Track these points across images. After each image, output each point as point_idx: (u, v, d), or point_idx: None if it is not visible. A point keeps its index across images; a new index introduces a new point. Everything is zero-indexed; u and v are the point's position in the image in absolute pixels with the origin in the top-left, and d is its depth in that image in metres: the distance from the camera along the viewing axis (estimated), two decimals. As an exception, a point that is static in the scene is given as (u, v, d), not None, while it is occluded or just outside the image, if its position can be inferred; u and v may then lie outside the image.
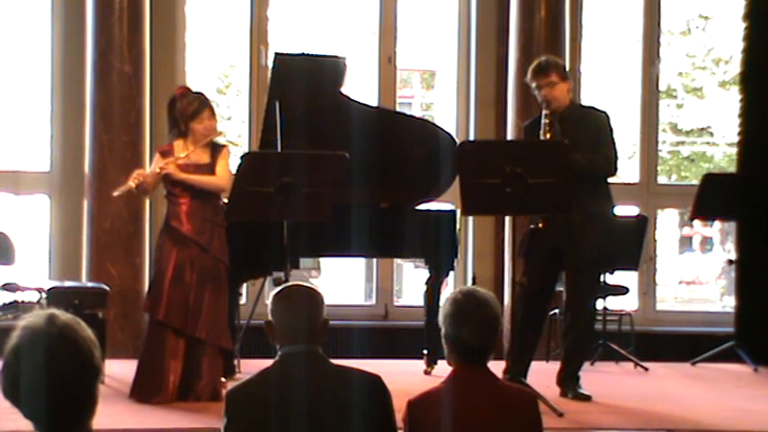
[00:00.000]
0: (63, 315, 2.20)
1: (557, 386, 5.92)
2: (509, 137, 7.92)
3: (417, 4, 9.68)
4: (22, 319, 2.20)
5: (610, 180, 5.95)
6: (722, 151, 13.46)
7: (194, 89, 6.04)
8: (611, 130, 5.91)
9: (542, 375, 5.98)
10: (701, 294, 13.96)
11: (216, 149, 5.87)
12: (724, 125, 12.23)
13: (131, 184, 5.75)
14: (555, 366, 6.10)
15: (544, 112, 5.82)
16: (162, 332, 5.73)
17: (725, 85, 12.58)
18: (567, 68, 8.03)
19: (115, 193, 5.88)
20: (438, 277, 6.73)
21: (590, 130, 5.87)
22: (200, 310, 5.70)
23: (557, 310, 6.93)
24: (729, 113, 8.42)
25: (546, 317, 6.23)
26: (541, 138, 5.76)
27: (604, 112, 5.95)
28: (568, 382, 5.94)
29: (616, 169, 5.91)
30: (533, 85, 5.94)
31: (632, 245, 7.20)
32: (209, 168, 5.79)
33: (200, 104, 5.84)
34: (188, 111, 5.81)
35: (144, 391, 5.71)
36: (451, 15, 8.71)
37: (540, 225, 5.64)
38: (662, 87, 9.08)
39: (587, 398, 5.87)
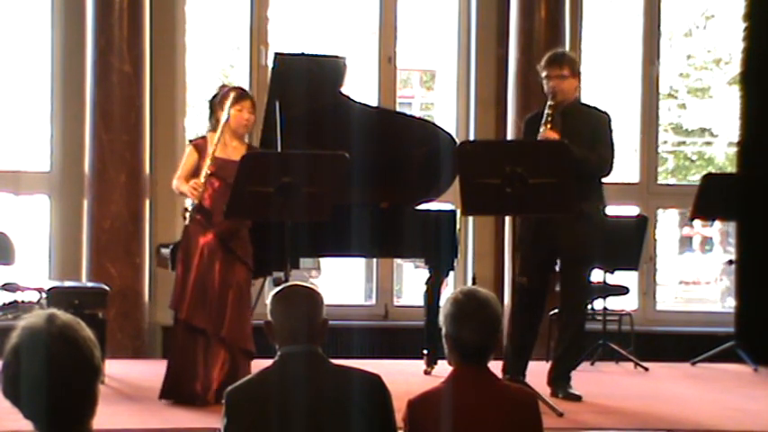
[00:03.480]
0: (63, 315, 2.20)
1: (547, 386, 5.88)
2: (509, 137, 7.92)
3: (417, 4, 9.68)
4: (22, 319, 2.20)
5: (604, 180, 5.96)
6: (723, 152, 13.45)
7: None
8: (611, 131, 5.92)
9: (542, 375, 5.96)
10: (701, 294, 13.96)
11: (252, 149, 5.89)
12: (727, 125, 12.22)
13: (196, 201, 5.68)
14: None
15: (548, 103, 5.82)
16: (189, 334, 5.64)
17: (728, 86, 12.58)
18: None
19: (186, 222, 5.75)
20: (438, 277, 6.72)
21: (589, 129, 5.88)
22: (223, 312, 5.61)
23: (556, 310, 6.92)
24: (732, 114, 8.40)
25: (543, 316, 6.21)
26: (541, 129, 5.75)
27: (607, 114, 5.96)
28: (560, 381, 5.93)
29: (611, 170, 5.91)
30: (544, 74, 5.92)
31: (632, 245, 7.19)
32: None
33: (245, 94, 5.84)
34: (231, 94, 5.74)
35: (172, 395, 5.65)
36: (451, 15, 8.71)
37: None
38: (664, 88, 9.07)
39: (578, 398, 5.85)
